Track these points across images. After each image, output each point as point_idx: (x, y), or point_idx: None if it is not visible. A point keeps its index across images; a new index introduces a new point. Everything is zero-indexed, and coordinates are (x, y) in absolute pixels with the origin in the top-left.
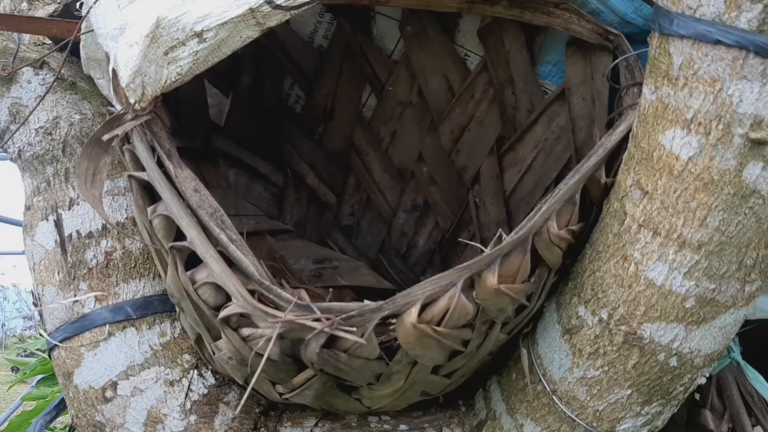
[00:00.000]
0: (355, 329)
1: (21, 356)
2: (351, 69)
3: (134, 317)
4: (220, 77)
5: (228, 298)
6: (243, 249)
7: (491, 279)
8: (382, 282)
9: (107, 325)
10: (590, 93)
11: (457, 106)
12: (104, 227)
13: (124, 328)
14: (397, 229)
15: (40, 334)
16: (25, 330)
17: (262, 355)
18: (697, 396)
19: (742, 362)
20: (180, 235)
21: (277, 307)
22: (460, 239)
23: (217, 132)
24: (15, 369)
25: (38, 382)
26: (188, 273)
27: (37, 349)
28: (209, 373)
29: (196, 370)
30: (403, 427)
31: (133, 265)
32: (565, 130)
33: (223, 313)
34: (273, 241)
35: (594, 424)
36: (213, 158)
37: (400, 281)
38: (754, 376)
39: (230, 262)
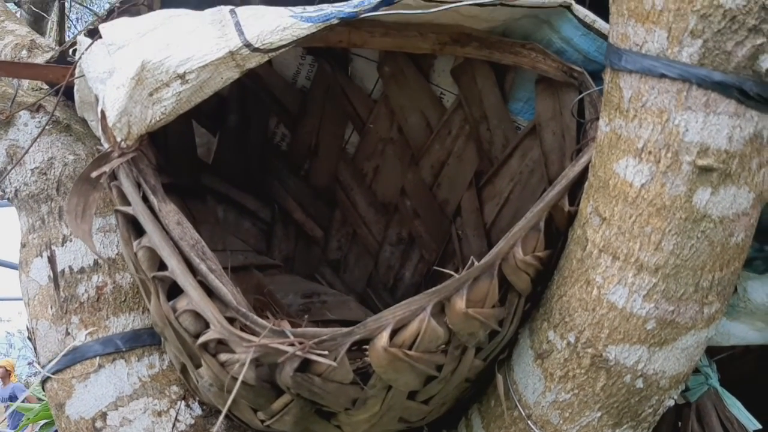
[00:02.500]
0: (327, 353)
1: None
2: (333, 108)
3: (124, 350)
4: (208, 117)
5: (207, 326)
6: (222, 278)
7: (460, 303)
8: (371, 316)
9: (97, 357)
10: (560, 128)
11: (435, 141)
12: (95, 263)
13: (114, 360)
14: (383, 262)
15: (36, 362)
16: (30, 376)
17: (238, 380)
18: (679, 424)
19: (720, 389)
20: (163, 267)
21: (253, 333)
22: (436, 267)
23: (205, 170)
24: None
25: (42, 427)
26: (170, 303)
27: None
28: (196, 404)
29: (183, 401)
30: None
31: (123, 300)
32: (538, 164)
33: (201, 339)
34: (261, 275)
35: None
36: (201, 195)
37: None
38: (732, 402)
39: (210, 291)
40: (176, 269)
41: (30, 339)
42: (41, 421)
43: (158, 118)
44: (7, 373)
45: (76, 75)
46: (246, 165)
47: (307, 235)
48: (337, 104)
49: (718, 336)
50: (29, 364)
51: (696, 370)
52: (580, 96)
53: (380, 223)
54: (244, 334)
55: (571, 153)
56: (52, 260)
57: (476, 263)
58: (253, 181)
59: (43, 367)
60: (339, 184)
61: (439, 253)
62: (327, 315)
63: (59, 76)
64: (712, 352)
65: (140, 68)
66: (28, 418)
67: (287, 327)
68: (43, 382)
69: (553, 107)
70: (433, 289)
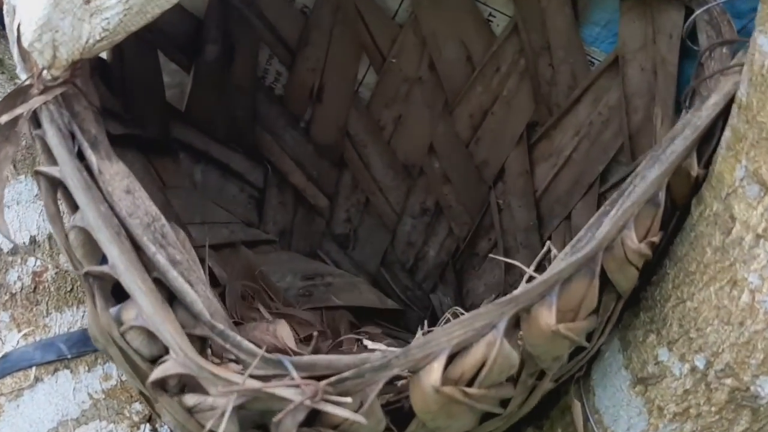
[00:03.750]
0: (349, 399)
1: None
2: (344, 36)
3: (69, 356)
4: (179, 48)
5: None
6: (191, 273)
7: (548, 318)
8: (385, 301)
9: (34, 368)
10: (651, 61)
11: (477, 82)
12: (33, 240)
13: (56, 371)
14: (402, 238)
15: None
16: None
17: None
18: None
19: None
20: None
21: (236, 361)
22: (492, 255)
23: (177, 119)
24: None
25: None
26: (113, 310)
27: None
28: (165, 428)
29: (148, 425)
30: None
31: (69, 289)
32: (615, 111)
33: (155, 374)
34: (251, 254)
35: None
36: (172, 152)
37: (406, 299)
38: None
39: (171, 295)
40: (118, 262)
41: None
42: None
43: (98, 37)
44: None
45: None
46: (230, 113)
47: (308, 203)
48: (348, 31)
49: None
50: None
51: None
52: (696, 13)
53: (400, 189)
54: (221, 371)
55: (664, 96)
56: None
57: (554, 251)
58: (240, 135)
59: None
60: (349, 139)
61: (472, 227)
62: (332, 300)
63: None
64: None
65: None
66: None
67: (288, 339)
68: None
69: (645, 32)
70: (508, 297)
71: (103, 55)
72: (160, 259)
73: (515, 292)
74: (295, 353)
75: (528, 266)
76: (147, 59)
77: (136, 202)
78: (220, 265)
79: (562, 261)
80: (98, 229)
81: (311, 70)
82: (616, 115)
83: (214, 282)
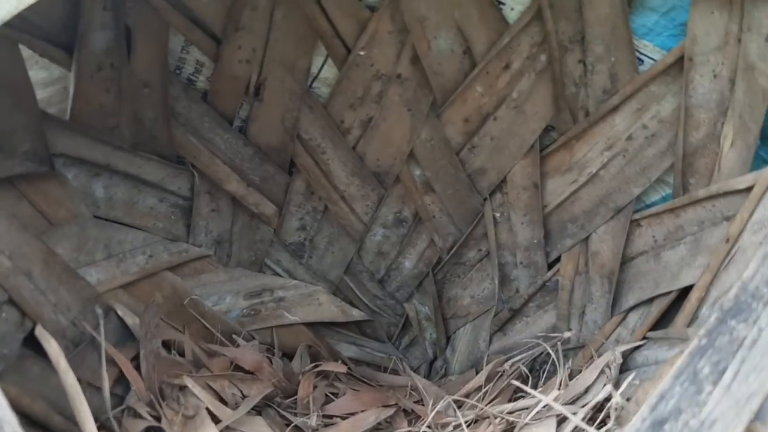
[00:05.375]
0: None
1: None
2: (289, 20)
3: None
4: (51, 40)
5: None
6: None
7: None
8: (349, 312)
9: None
10: (731, 66)
11: (478, 81)
12: None
13: None
14: (371, 248)
15: None
16: None
17: None
18: None
19: None
20: None
21: None
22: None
23: (59, 129)
24: None
25: None
26: None
27: None
28: None
29: None
30: None
31: None
32: (668, 126)
33: None
34: (177, 280)
35: None
36: (56, 174)
37: (375, 307)
38: None
39: None
40: None
41: None
42: None
43: None
44: None
45: None
46: (135, 114)
47: (250, 211)
48: (295, 14)
49: None
50: None
51: None
52: None
53: (369, 198)
54: None
55: (746, 114)
56: None
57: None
58: (152, 139)
59: None
60: (301, 142)
61: (460, 239)
62: (285, 317)
63: None
64: None
65: None
66: None
67: None
68: None
69: (726, 29)
70: None
71: None
72: None
73: None
74: None
75: (529, 285)
76: (4, 60)
77: None
78: (136, 310)
79: None
80: None
81: (245, 61)
82: (667, 131)
83: (129, 335)
